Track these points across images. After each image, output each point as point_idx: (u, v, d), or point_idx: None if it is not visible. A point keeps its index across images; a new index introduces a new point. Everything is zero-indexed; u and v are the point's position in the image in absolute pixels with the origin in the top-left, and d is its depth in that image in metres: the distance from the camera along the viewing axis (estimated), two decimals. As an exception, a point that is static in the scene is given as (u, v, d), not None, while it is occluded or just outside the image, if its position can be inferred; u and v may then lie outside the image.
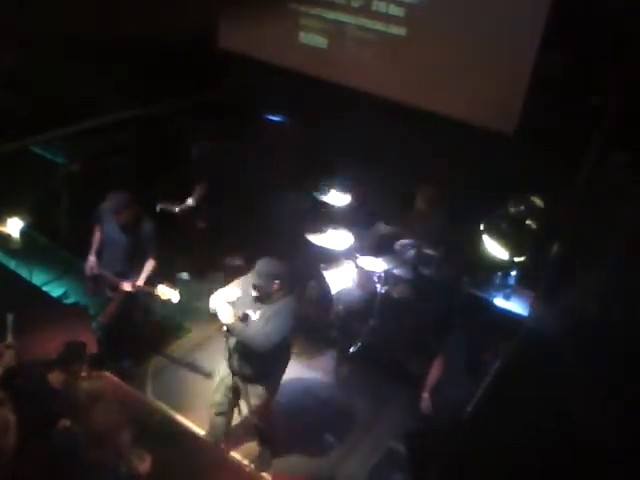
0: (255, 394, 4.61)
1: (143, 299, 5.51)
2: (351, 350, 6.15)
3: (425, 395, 4.80)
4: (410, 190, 6.38)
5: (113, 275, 5.27)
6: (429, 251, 6.14)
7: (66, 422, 3.62)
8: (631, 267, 3.74)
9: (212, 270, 6.81)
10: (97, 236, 5.43)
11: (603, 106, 5.31)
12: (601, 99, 5.40)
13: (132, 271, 5.28)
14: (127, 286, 5.19)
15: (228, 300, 4.28)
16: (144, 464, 3.56)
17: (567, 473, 2.70)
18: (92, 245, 5.42)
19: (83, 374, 4.73)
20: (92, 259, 5.35)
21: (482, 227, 5.61)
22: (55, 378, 4.00)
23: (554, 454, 2.77)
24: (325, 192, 6.69)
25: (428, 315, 6.24)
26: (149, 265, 5.31)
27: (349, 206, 6.76)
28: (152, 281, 5.27)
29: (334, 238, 6.52)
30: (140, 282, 5.24)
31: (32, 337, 5.04)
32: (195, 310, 6.29)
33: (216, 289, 4.48)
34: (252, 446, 5.06)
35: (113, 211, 5.14)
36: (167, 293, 5.06)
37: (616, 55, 5.32)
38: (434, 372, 4.88)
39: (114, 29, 6.66)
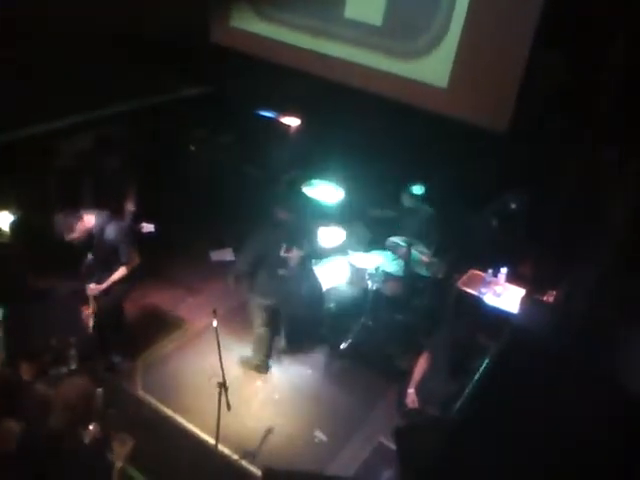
0: None
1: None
2: (342, 346, 6.16)
3: (410, 390, 4.81)
4: (402, 187, 6.40)
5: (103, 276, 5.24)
6: (420, 248, 6.16)
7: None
8: (619, 266, 3.77)
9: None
10: None
11: (594, 105, 5.35)
12: (591, 98, 5.45)
13: (107, 278, 5.22)
14: (90, 291, 5.18)
15: None
16: (124, 448, 3.58)
17: (559, 470, 2.73)
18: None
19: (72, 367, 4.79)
20: (90, 256, 5.26)
21: (474, 224, 5.64)
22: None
23: (545, 451, 2.79)
24: (313, 187, 6.72)
25: (419, 312, 6.27)
26: (119, 272, 5.19)
27: (342, 202, 6.78)
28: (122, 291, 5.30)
29: (326, 235, 6.53)
30: (102, 287, 5.19)
31: (24, 331, 5.06)
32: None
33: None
34: (241, 440, 5.07)
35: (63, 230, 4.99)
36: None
37: (606, 54, 5.37)
38: (420, 367, 4.89)
39: (108, 23, 6.63)
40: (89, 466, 3.46)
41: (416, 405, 4.76)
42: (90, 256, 5.21)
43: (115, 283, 5.22)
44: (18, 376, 4.48)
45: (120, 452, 3.55)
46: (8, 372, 4.43)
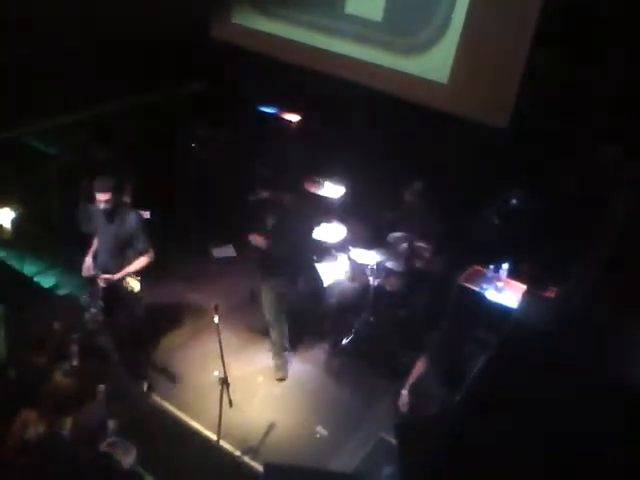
0: None
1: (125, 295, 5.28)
2: (343, 342, 6.18)
3: (404, 392, 4.81)
4: (401, 183, 6.39)
5: (103, 273, 5.14)
6: (422, 244, 6.17)
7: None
8: (619, 264, 3.78)
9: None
10: (95, 238, 5.32)
11: (594, 104, 5.34)
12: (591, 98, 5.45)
13: (122, 268, 5.13)
14: (101, 280, 5.09)
15: None
16: (129, 457, 3.61)
17: (559, 464, 2.74)
18: (90, 246, 5.31)
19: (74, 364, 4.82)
20: (88, 260, 5.22)
21: (475, 221, 5.64)
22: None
23: (545, 444, 2.81)
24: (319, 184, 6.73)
25: (420, 308, 6.27)
26: (139, 262, 5.12)
27: (343, 198, 6.79)
28: (144, 278, 5.17)
29: (327, 230, 6.54)
30: (115, 276, 5.08)
31: (24, 328, 5.08)
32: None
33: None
34: (243, 436, 5.09)
35: (96, 193, 4.95)
36: (131, 284, 5.06)
37: (606, 54, 5.37)
38: (417, 369, 4.88)
39: (108, 20, 6.64)
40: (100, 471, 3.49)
41: (407, 408, 4.75)
42: (97, 245, 5.22)
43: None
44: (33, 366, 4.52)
45: (125, 461, 3.59)
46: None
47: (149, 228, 5.28)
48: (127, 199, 6.36)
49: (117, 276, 5.09)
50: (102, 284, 5.10)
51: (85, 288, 5.41)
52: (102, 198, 4.94)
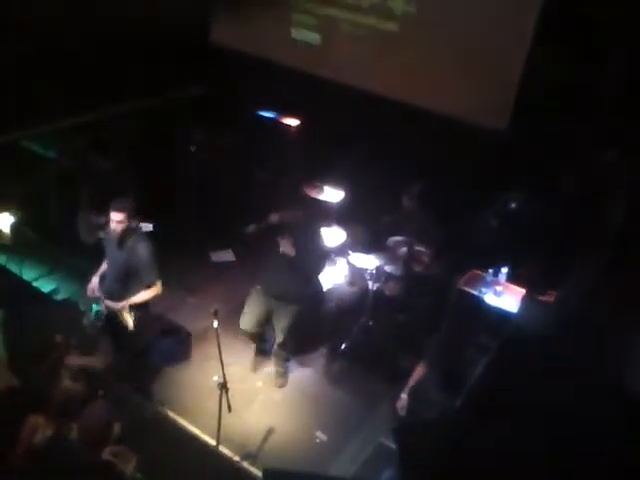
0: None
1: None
2: (342, 347, 6.14)
3: (403, 395, 4.77)
4: (400, 187, 6.38)
5: (106, 297, 5.05)
6: (421, 248, 6.14)
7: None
8: (617, 264, 3.76)
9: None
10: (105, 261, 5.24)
11: (594, 105, 5.33)
12: (591, 98, 5.44)
13: (126, 295, 4.99)
14: (103, 305, 5.00)
15: None
16: (129, 465, 3.58)
17: (555, 467, 2.72)
18: (99, 267, 5.23)
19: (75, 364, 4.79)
20: (94, 280, 5.15)
21: (474, 222, 5.62)
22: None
23: (542, 450, 2.78)
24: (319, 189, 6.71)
25: (419, 312, 6.25)
26: (144, 294, 4.97)
27: (342, 202, 6.77)
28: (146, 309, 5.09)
29: (327, 235, 6.51)
30: (117, 305, 4.95)
31: (22, 332, 5.05)
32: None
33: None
34: (242, 441, 5.05)
35: (111, 212, 4.81)
36: (126, 318, 4.97)
37: (606, 54, 5.36)
38: (417, 373, 4.84)
39: (107, 22, 6.64)
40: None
41: (405, 412, 4.72)
42: (105, 268, 5.13)
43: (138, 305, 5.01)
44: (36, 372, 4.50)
45: (125, 469, 3.56)
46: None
47: (152, 237, 5.23)
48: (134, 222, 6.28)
49: (119, 305, 4.97)
50: (104, 309, 5.04)
51: (87, 303, 5.34)
52: (116, 218, 4.80)
